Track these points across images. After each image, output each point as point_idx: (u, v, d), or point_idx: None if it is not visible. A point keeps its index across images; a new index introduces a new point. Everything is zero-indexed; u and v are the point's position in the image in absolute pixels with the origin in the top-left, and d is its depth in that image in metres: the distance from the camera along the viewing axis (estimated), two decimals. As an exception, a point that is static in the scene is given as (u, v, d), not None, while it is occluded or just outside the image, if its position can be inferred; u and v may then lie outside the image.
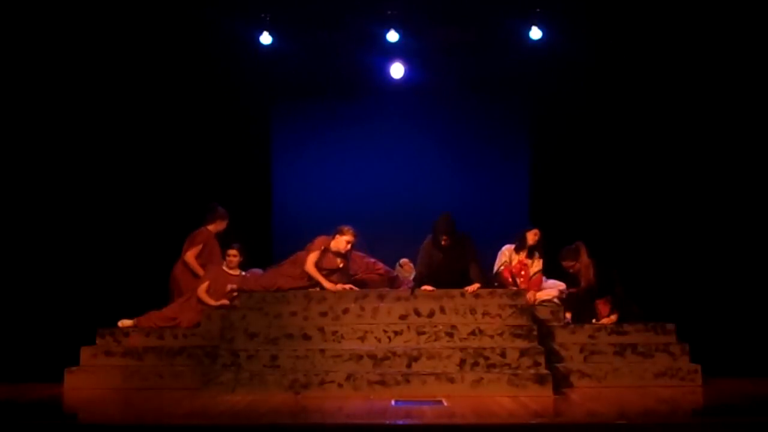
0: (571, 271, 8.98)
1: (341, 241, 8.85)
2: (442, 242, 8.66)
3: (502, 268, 9.06)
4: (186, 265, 9.22)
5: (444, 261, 8.69)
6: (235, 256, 9.17)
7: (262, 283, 8.92)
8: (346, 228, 8.88)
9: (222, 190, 9.70)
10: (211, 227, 9.38)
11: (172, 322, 8.76)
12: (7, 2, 9.18)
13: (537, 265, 9.00)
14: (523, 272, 8.98)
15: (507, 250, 9.16)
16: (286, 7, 10.08)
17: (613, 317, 8.63)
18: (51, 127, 9.61)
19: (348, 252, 8.94)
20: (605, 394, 7.50)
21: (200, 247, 9.24)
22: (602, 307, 8.77)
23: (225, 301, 8.82)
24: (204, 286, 8.89)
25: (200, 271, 9.14)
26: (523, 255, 9.04)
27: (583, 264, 8.88)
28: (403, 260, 10.11)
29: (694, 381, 7.98)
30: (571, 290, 8.94)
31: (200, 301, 8.85)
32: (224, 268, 9.12)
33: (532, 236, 9.07)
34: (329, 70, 10.60)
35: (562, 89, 10.37)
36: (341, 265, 8.89)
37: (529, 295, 8.62)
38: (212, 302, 8.80)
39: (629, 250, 9.49)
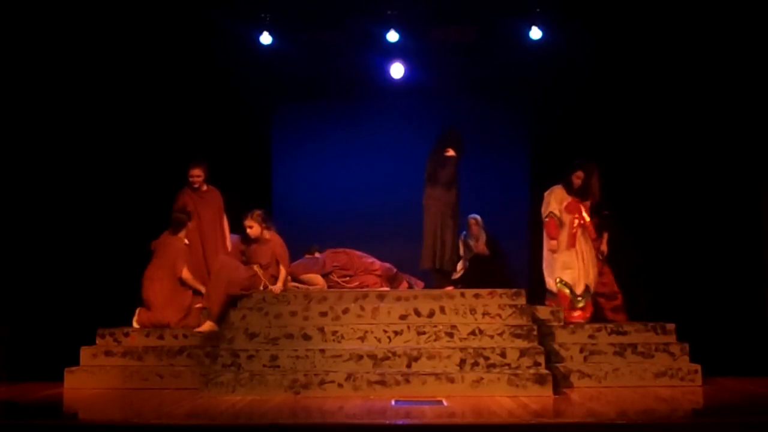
0: (577, 181, 8.97)
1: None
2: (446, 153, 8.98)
3: (547, 219, 8.96)
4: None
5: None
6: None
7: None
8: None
9: (222, 190, 9.67)
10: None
11: (162, 323, 8.77)
12: (9, 2, 9.18)
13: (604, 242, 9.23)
14: (577, 215, 8.92)
15: (557, 190, 9.04)
16: (286, 7, 10.07)
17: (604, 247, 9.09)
18: (52, 129, 9.60)
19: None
20: (605, 394, 7.49)
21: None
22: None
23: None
24: (185, 270, 8.99)
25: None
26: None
27: (593, 183, 9.05)
28: (471, 217, 10.40)
29: (694, 381, 7.98)
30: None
31: (191, 287, 8.97)
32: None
33: (575, 179, 9.01)
34: (329, 70, 10.61)
35: (562, 89, 10.37)
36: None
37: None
38: (200, 286, 8.93)
39: (629, 250, 9.47)
